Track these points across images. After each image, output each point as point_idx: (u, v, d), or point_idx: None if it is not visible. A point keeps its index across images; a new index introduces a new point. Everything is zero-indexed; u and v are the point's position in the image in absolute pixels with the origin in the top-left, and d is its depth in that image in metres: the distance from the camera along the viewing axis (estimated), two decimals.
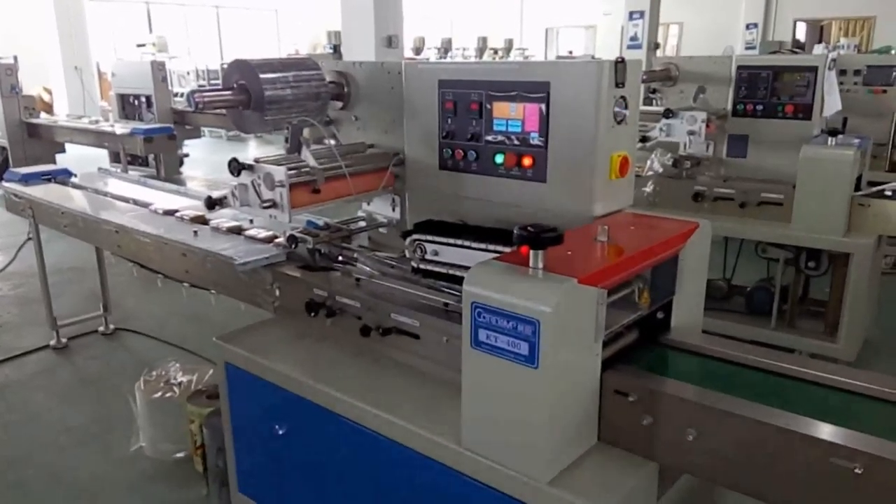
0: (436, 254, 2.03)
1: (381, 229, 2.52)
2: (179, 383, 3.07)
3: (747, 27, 17.07)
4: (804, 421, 1.39)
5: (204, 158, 10.64)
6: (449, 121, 2.19)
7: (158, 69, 9.05)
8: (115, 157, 9.59)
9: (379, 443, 1.81)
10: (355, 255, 2.27)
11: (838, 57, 4.99)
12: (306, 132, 2.40)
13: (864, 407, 1.52)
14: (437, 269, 2.03)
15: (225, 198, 2.23)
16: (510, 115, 2.05)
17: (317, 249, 2.28)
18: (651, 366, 1.70)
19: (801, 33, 17.64)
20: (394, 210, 2.49)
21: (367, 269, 2.20)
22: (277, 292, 2.35)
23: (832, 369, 1.64)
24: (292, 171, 2.05)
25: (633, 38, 8.93)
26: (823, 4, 16.47)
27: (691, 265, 1.88)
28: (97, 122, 8.63)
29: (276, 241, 2.53)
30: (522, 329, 1.43)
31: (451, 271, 2.00)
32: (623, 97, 1.91)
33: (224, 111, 2.37)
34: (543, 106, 1.96)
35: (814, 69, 3.89)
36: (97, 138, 8.09)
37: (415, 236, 2.07)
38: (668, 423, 1.52)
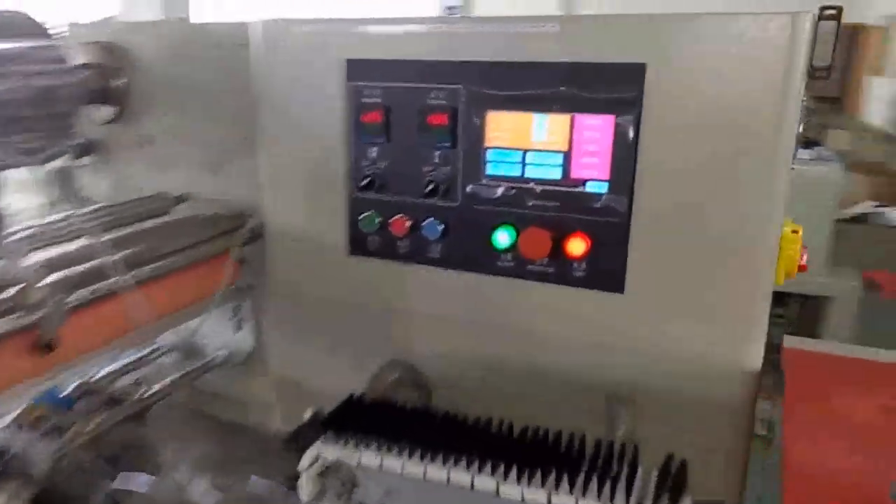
0: (385, 493, 0.79)
1: (206, 374, 1.21)
2: None
3: None
4: None
5: None
6: (374, 151, 0.98)
7: None
8: None
9: None
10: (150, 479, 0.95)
11: None
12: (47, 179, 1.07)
13: None
14: None
15: None
16: (532, 140, 0.89)
17: (54, 472, 0.92)
18: None
19: None
20: (238, 330, 1.21)
21: None
22: None
23: None
24: None
25: None
26: None
27: None
28: None
29: None
30: None
31: None
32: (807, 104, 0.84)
33: None
34: (626, 120, 0.83)
35: None
36: None
37: (322, 444, 0.81)
38: None
